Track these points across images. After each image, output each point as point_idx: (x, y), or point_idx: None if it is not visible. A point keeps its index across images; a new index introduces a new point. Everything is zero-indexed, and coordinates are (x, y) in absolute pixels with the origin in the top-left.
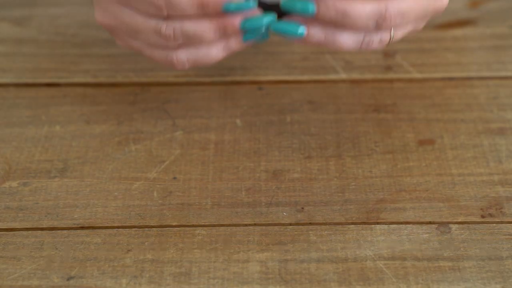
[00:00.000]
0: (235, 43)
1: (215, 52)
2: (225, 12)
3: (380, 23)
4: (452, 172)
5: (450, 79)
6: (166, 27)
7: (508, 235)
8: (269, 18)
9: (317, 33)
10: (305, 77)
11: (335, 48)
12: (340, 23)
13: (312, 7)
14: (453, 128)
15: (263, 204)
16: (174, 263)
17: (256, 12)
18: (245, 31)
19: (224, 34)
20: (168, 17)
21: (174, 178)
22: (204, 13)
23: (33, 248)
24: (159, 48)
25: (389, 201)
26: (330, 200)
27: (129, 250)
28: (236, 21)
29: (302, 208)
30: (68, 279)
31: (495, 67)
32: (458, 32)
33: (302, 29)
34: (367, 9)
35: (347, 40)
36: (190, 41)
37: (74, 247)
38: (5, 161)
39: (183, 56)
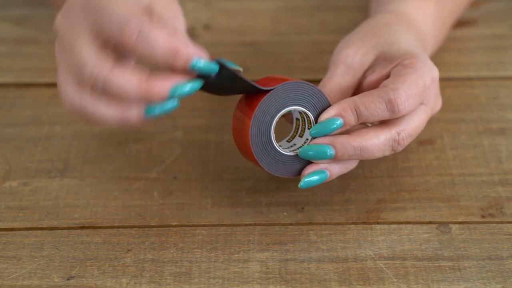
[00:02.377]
0: (135, 115)
1: (111, 114)
2: (192, 68)
3: (395, 147)
4: (452, 172)
5: (450, 79)
6: (95, 68)
7: (508, 235)
8: (172, 105)
9: (338, 169)
10: (305, 77)
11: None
12: (359, 157)
13: (330, 151)
14: (453, 128)
15: (264, 204)
16: (174, 263)
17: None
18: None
19: (145, 97)
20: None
21: (175, 178)
22: (168, 63)
23: (34, 248)
24: (71, 85)
25: (389, 201)
26: (331, 200)
27: (129, 250)
28: (166, 85)
29: (302, 208)
30: (68, 279)
31: (495, 67)
32: (458, 32)
33: (330, 149)
34: (381, 139)
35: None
36: (108, 90)
37: (74, 247)
38: (5, 161)
39: (82, 102)
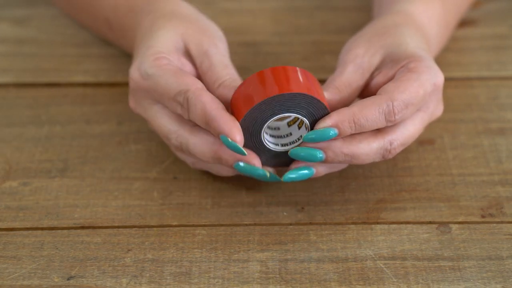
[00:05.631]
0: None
1: (225, 171)
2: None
3: (386, 155)
4: (452, 172)
5: (450, 79)
6: (175, 140)
7: (508, 235)
8: (263, 176)
9: (325, 169)
10: None
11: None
12: (348, 162)
13: (320, 155)
14: (453, 128)
15: (263, 203)
16: (174, 263)
17: (256, 162)
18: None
19: (220, 163)
20: (184, 127)
21: (175, 178)
22: (208, 129)
23: (33, 248)
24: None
25: (389, 201)
26: (330, 200)
27: (129, 250)
28: (230, 159)
29: (302, 208)
30: (68, 279)
31: (495, 67)
32: (458, 32)
33: (320, 153)
34: (373, 148)
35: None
36: (194, 156)
37: (74, 247)
38: (5, 161)
39: (197, 165)
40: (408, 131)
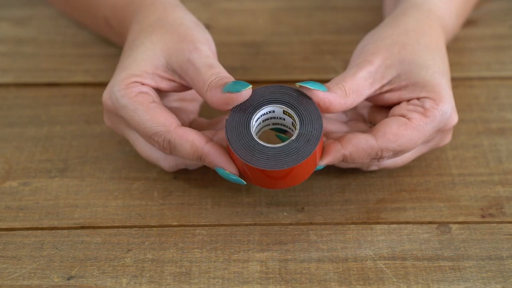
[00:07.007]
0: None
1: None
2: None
3: (373, 160)
4: (452, 172)
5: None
6: (163, 143)
7: (508, 235)
8: (236, 180)
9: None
10: (305, 77)
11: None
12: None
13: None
14: (453, 128)
15: (264, 204)
16: (174, 263)
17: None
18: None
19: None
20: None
21: (175, 178)
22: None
23: (34, 248)
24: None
25: (389, 201)
26: (330, 200)
27: (129, 250)
28: (214, 162)
29: (302, 208)
30: (68, 279)
31: (495, 67)
32: (458, 32)
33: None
34: (364, 149)
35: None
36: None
37: (74, 247)
38: (5, 161)
39: (171, 161)
40: (400, 159)
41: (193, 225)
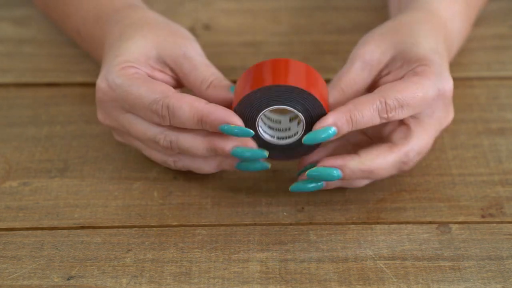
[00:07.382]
0: (228, 165)
1: (208, 167)
2: (221, 131)
3: (402, 168)
4: (452, 172)
5: None
6: (164, 140)
7: (508, 235)
8: (262, 165)
9: (338, 184)
10: None
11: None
12: (366, 178)
13: (337, 173)
14: (453, 128)
15: (263, 204)
16: (174, 263)
17: (252, 144)
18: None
19: (215, 154)
20: (168, 127)
21: (175, 177)
22: (202, 128)
23: (34, 248)
24: (158, 152)
25: (389, 201)
26: (331, 200)
27: (129, 250)
28: (226, 146)
29: (302, 208)
30: (68, 279)
31: (495, 67)
32: (468, 35)
33: (337, 172)
34: (390, 161)
35: (364, 182)
36: (185, 153)
37: (74, 247)
38: (5, 161)
39: (179, 163)
40: (422, 140)
41: (193, 225)
